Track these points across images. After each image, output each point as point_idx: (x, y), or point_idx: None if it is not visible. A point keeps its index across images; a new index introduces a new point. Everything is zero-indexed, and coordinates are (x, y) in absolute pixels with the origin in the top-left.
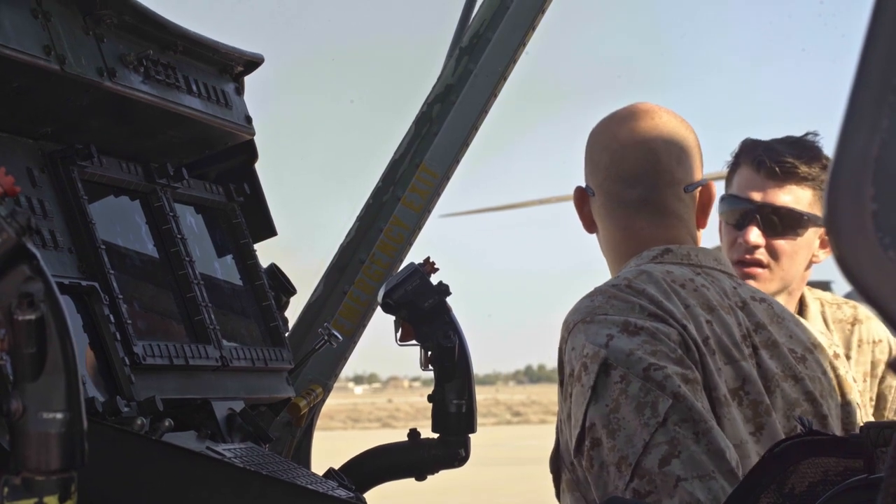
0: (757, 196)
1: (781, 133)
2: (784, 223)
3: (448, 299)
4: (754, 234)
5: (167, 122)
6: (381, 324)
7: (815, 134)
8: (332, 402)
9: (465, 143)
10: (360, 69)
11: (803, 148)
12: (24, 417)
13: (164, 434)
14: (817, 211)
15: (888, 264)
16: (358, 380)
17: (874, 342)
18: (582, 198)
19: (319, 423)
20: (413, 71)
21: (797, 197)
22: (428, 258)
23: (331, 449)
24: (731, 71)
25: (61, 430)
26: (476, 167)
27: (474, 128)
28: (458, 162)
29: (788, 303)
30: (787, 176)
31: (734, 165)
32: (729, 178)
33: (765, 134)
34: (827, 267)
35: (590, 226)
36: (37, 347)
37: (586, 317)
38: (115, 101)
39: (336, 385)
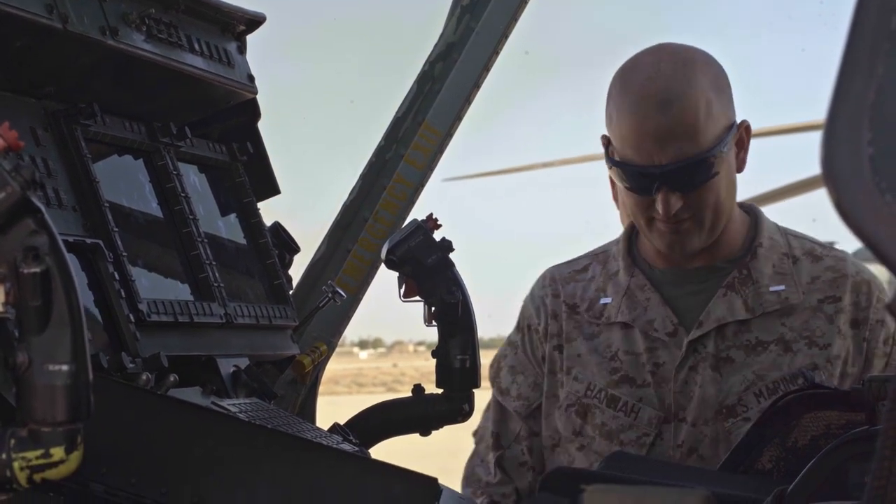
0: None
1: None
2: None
3: (452, 256)
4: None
5: (170, 81)
6: (386, 288)
7: None
8: (337, 366)
9: (467, 101)
10: (362, 28)
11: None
12: (30, 370)
13: (169, 389)
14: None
15: (885, 208)
16: (363, 344)
17: None
18: None
19: (324, 387)
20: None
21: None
22: (431, 214)
23: (336, 413)
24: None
25: (67, 382)
26: (479, 132)
27: (476, 85)
28: (460, 119)
29: None
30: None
31: None
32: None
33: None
34: (831, 227)
35: None
36: (42, 300)
37: None
38: (118, 59)
39: (341, 350)
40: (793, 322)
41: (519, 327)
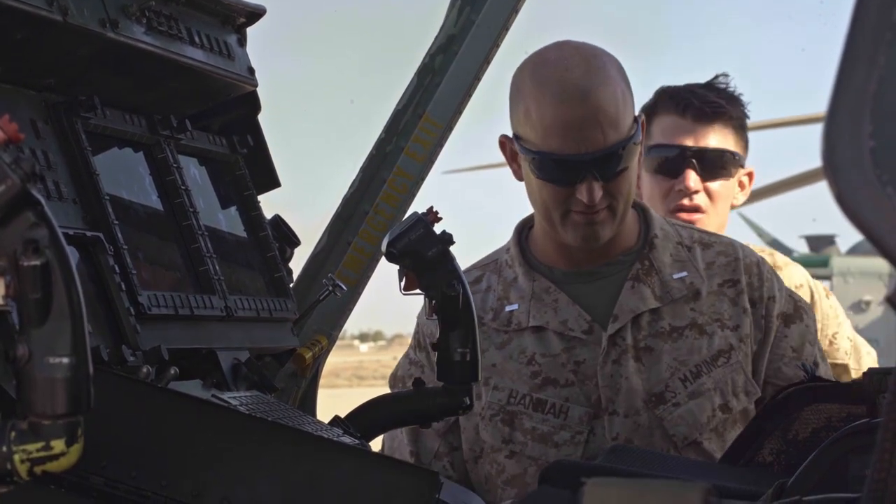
0: (688, 140)
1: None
2: (718, 165)
3: (452, 249)
4: (693, 179)
5: (170, 74)
6: (386, 281)
7: (726, 75)
8: (338, 359)
9: (467, 94)
10: (363, 21)
11: (721, 90)
12: (30, 362)
13: (170, 382)
14: (740, 150)
15: (886, 200)
16: (363, 337)
17: (795, 287)
18: None
19: (325, 380)
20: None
21: (724, 137)
22: (431, 207)
23: (337, 406)
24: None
25: (67, 375)
26: (480, 124)
27: (477, 78)
28: (460, 112)
29: None
30: (715, 116)
31: (650, 116)
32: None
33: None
34: (830, 221)
35: None
36: (42, 293)
37: None
38: (118, 52)
39: (341, 343)
40: (701, 306)
41: (420, 346)
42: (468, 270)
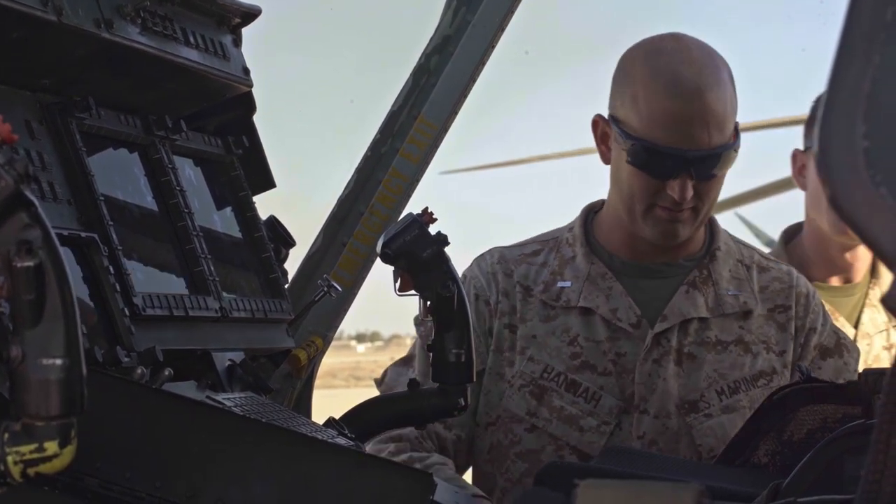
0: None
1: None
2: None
3: (448, 251)
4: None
5: (165, 74)
6: (383, 281)
7: None
8: (335, 360)
9: (462, 95)
10: (360, 21)
11: None
12: (23, 364)
13: (164, 383)
14: None
15: (879, 201)
16: (360, 338)
17: None
18: None
19: (322, 381)
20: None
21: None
22: (426, 208)
23: (333, 407)
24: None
25: (61, 376)
26: (477, 125)
27: (472, 79)
28: (455, 113)
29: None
30: None
31: None
32: None
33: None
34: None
35: None
36: (35, 294)
37: None
38: (113, 52)
39: (338, 343)
40: (750, 326)
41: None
42: (526, 243)
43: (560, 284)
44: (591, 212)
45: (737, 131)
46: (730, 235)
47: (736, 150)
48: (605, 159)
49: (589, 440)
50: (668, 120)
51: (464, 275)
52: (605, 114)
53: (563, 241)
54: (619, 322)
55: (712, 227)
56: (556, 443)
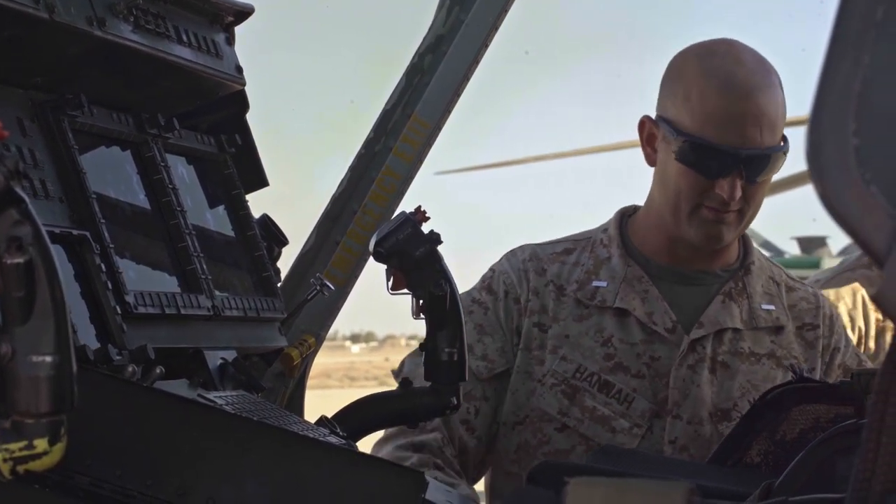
0: None
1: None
2: None
3: (441, 251)
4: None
5: (158, 72)
6: (379, 281)
7: None
8: (329, 360)
9: (456, 94)
10: (355, 20)
11: None
12: (13, 361)
13: (156, 381)
14: None
15: (870, 199)
16: (355, 338)
17: None
18: None
19: (316, 381)
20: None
21: None
22: (419, 207)
23: (327, 407)
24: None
25: (50, 374)
26: (472, 125)
27: (466, 78)
28: (449, 112)
29: None
30: None
31: None
32: None
33: None
34: (820, 222)
35: None
36: (25, 291)
37: None
38: (106, 50)
39: (332, 344)
40: (781, 341)
41: (491, 290)
42: (559, 242)
43: (595, 283)
44: (625, 215)
45: (785, 137)
46: (760, 253)
47: (785, 154)
48: (651, 161)
49: (620, 441)
50: (722, 118)
51: (492, 269)
52: (653, 115)
53: (596, 241)
54: (654, 326)
55: (745, 242)
56: (587, 443)
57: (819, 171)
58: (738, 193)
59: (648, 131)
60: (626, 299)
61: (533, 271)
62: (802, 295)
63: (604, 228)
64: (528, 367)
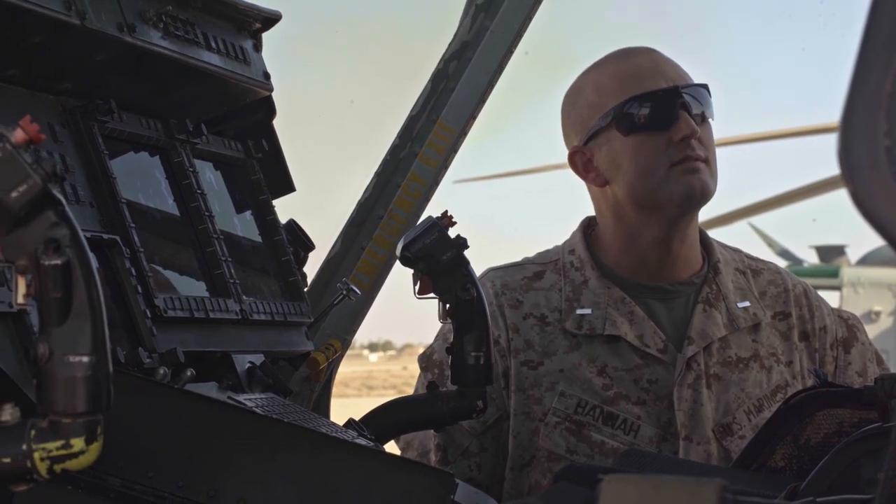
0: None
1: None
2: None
3: (466, 254)
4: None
5: (186, 78)
6: (397, 290)
7: None
8: (347, 369)
9: (481, 100)
10: (378, 28)
11: None
12: (50, 361)
13: (186, 384)
14: None
15: None
16: (373, 347)
17: None
18: None
19: (334, 390)
20: (430, 30)
21: None
22: (446, 212)
23: (346, 416)
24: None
25: (87, 374)
26: (489, 134)
27: (490, 84)
28: (474, 118)
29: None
30: None
31: None
32: None
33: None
34: (839, 230)
35: None
36: (63, 292)
37: None
38: (135, 56)
39: (350, 352)
40: (761, 338)
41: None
42: (524, 266)
43: (579, 311)
44: (589, 228)
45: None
46: (718, 242)
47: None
48: (599, 181)
49: None
50: (638, 72)
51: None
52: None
53: (566, 263)
54: (647, 348)
55: (704, 240)
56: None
57: (850, 171)
58: (697, 128)
59: (582, 159)
60: (615, 325)
61: (507, 306)
62: (769, 278)
63: (570, 249)
64: (526, 407)
